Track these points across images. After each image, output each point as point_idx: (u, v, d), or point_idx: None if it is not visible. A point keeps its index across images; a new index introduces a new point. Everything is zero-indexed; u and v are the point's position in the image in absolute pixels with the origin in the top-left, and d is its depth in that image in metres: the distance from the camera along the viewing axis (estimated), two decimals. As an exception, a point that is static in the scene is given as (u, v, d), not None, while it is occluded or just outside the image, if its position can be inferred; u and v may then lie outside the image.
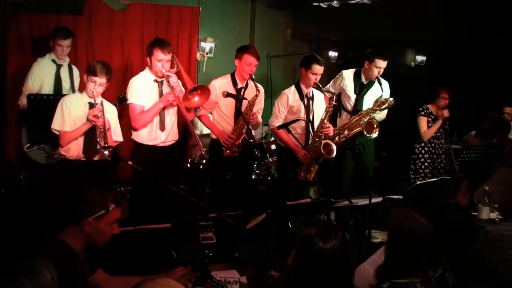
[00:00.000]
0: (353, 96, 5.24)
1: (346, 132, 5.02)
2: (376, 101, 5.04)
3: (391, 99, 5.02)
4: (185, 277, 2.57)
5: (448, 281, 2.35)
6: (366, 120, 4.97)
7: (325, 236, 2.03)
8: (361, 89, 5.23)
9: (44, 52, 5.08)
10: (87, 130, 4.10)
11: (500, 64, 6.69)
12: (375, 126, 4.94)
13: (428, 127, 5.64)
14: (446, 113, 5.59)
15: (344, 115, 5.29)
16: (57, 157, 4.30)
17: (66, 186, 3.93)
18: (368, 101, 5.19)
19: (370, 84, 5.23)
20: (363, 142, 5.20)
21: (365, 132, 4.94)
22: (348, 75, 5.30)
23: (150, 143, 4.49)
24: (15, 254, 1.83)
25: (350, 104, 5.26)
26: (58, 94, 4.78)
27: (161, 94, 4.45)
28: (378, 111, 5.03)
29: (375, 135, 4.97)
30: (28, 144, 4.75)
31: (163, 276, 1.89)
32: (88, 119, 4.08)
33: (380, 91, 5.11)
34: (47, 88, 4.90)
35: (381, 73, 5.12)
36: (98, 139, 4.04)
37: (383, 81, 5.16)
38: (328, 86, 5.38)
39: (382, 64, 5.05)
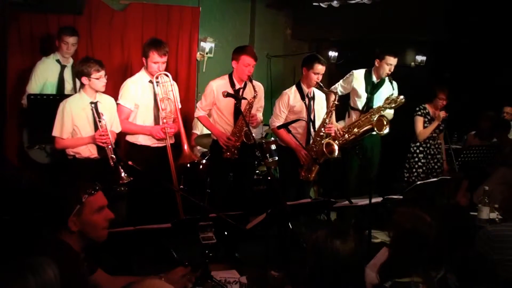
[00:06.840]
0: (364, 95, 5.25)
1: (355, 129, 5.03)
2: (387, 98, 5.04)
3: (402, 97, 5.00)
4: (185, 277, 2.57)
5: (450, 283, 2.35)
6: (376, 117, 4.97)
7: (341, 237, 2.04)
8: (372, 88, 5.25)
9: (44, 52, 5.08)
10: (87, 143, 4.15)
11: (500, 64, 6.69)
12: (385, 123, 4.95)
13: (424, 127, 5.62)
14: (442, 114, 5.55)
15: (353, 115, 5.29)
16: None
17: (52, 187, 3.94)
18: (380, 100, 5.20)
19: (381, 83, 5.25)
20: (371, 143, 5.21)
21: (376, 129, 4.93)
22: (359, 74, 5.30)
23: (143, 144, 4.50)
24: (15, 254, 1.84)
25: (361, 103, 5.26)
26: (59, 94, 4.79)
27: (155, 95, 4.46)
28: (388, 109, 5.04)
29: (386, 131, 4.96)
30: (28, 144, 4.77)
31: (150, 278, 1.90)
32: (95, 140, 4.10)
33: (391, 89, 5.16)
34: (50, 88, 4.91)
35: (392, 70, 5.13)
36: (109, 155, 4.10)
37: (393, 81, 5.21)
38: (336, 85, 5.36)
39: (392, 61, 5.08)
